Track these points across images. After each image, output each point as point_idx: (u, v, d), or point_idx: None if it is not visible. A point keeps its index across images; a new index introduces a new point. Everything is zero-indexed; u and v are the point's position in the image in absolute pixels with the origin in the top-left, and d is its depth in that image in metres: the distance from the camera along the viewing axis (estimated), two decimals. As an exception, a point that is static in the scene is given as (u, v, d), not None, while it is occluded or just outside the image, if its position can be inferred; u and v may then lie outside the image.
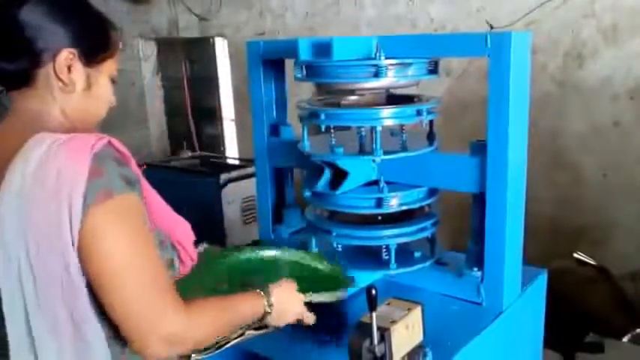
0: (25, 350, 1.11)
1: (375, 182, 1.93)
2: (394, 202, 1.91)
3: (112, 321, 1.13)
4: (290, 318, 1.51)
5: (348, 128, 2.00)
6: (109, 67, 1.28)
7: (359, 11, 4.51)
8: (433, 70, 1.89)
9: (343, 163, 1.85)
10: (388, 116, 1.80)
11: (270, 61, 2.20)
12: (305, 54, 1.81)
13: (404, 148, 1.91)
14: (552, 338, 2.26)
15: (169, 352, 1.16)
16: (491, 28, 3.76)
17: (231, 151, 6.08)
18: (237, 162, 5.01)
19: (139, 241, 1.13)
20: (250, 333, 1.58)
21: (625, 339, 2.74)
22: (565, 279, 2.96)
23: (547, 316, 2.10)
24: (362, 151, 1.91)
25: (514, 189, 1.76)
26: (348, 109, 1.79)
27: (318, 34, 4.65)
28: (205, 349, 1.48)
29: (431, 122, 1.95)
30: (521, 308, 1.89)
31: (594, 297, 2.96)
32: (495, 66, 1.67)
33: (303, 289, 1.56)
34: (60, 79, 1.20)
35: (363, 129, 1.96)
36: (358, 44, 1.79)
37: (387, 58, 1.78)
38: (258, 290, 1.46)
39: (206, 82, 6.16)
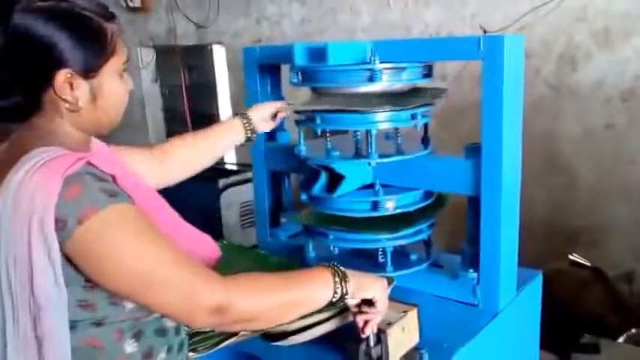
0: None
1: (371, 185, 1.94)
2: (390, 205, 1.92)
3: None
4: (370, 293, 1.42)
5: (344, 132, 2.01)
6: (113, 65, 1.22)
7: (354, 18, 4.54)
8: (427, 74, 1.91)
9: (339, 167, 1.86)
10: (383, 120, 1.81)
11: (266, 66, 2.21)
12: (300, 59, 1.81)
13: (399, 152, 1.92)
14: (548, 339, 2.27)
15: (223, 321, 1.15)
16: (485, 32, 3.78)
17: (230, 156, 6.09)
18: (235, 167, 5.02)
19: (141, 238, 1.12)
20: (244, 333, 1.59)
21: (620, 339, 2.75)
22: (560, 281, 2.97)
23: (542, 317, 2.11)
24: (357, 155, 1.93)
25: (509, 191, 1.76)
26: (343, 113, 1.80)
27: (315, 40, 4.67)
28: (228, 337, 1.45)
29: (425, 126, 1.97)
30: (517, 310, 1.89)
31: (589, 298, 2.97)
32: (489, 69, 1.68)
33: None
34: (64, 100, 1.17)
35: (358, 133, 1.98)
36: (353, 49, 1.81)
37: (381, 63, 1.79)
38: (327, 269, 1.35)
39: (204, 89, 6.17)
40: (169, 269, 1.12)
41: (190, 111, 6.18)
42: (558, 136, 3.69)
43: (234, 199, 4.46)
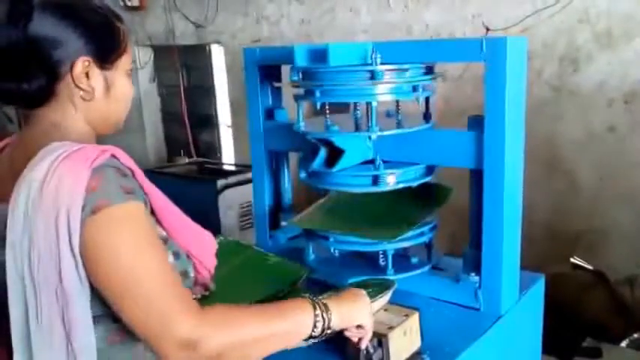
0: (23, 349, 1.12)
1: (372, 162, 1.92)
2: (391, 180, 1.88)
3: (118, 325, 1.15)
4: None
5: (343, 110, 1.99)
6: (124, 63, 1.27)
7: (354, 18, 4.53)
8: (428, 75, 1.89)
9: (339, 141, 1.84)
10: (384, 92, 1.79)
11: (266, 67, 2.20)
12: (301, 60, 1.80)
13: (400, 126, 1.90)
14: (550, 343, 2.26)
15: (190, 357, 1.08)
16: (487, 30, 3.77)
17: (228, 157, 6.08)
18: (233, 168, 5.01)
19: (142, 246, 1.11)
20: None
21: (623, 344, 2.74)
22: (562, 284, 2.96)
23: (544, 321, 2.10)
24: (358, 129, 1.91)
25: (511, 192, 1.76)
26: (343, 85, 1.78)
27: (314, 40, 4.66)
28: None
29: (427, 101, 1.95)
30: (519, 313, 1.88)
31: (591, 302, 2.96)
32: (491, 71, 1.67)
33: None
34: (80, 88, 1.19)
35: (358, 109, 1.95)
36: (354, 50, 1.79)
37: (382, 64, 1.78)
38: (308, 297, 1.32)
39: (202, 89, 6.17)
40: (155, 285, 1.09)
41: (188, 111, 6.18)
42: (560, 139, 3.68)
43: (233, 201, 4.45)
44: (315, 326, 1.28)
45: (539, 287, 2.03)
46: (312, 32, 4.78)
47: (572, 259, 3.24)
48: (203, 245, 1.33)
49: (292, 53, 1.79)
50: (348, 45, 1.80)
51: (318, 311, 1.29)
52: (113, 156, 1.12)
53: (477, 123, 1.77)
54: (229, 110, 5.83)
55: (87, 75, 1.19)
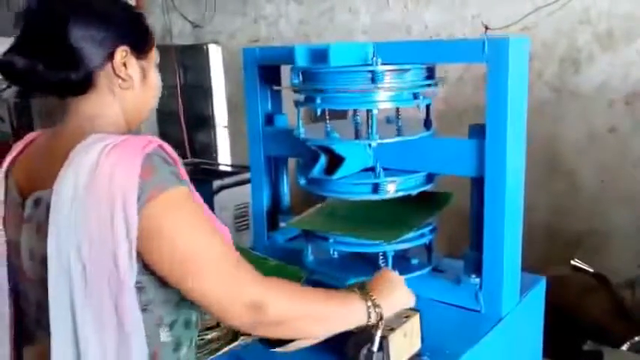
0: (67, 338, 1.13)
1: (372, 169, 1.91)
2: (391, 188, 1.88)
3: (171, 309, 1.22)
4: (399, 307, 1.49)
5: (343, 116, 1.99)
6: (154, 55, 1.35)
7: (353, 18, 4.52)
8: (430, 76, 1.88)
9: (339, 148, 1.83)
10: (384, 99, 1.78)
11: (265, 67, 2.19)
12: (302, 60, 1.79)
13: (400, 134, 1.88)
14: (550, 346, 2.25)
15: (257, 318, 1.18)
16: (486, 29, 3.76)
17: (224, 157, 6.07)
18: (230, 169, 5.00)
19: (199, 224, 1.18)
20: (244, 339, 1.58)
21: (624, 347, 2.73)
22: (563, 287, 2.96)
23: (545, 324, 2.10)
24: (358, 136, 1.90)
25: (512, 194, 1.75)
26: (343, 92, 1.78)
27: (312, 40, 4.66)
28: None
29: (428, 108, 1.94)
30: (520, 316, 1.87)
31: (592, 305, 2.96)
32: (493, 72, 1.67)
33: None
34: (120, 77, 1.25)
35: (358, 116, 1.95)
36: (355, 50, 1.78)
37: (383, 64, 1.77)
38: (356, 291, 1.41)
39: (200, 89, 6.15)
40: (218, 257, 1.17)
41: (185, 111, 6.16)
42: (561, 140, 3.68)
43: (229, 202, 4.43)
44: (369, 317, 1.38)
45: (540, 289, 2.02)
46: (311, 32, 4.77)
47: (572, 262, 3.23)
48: (229, 240, 1.36)
49: (292, 53, 1.79)
50: (348, 45, 1.79)
51: (369, 303, 1.38)
52: (160, 146, 1.16)
53: (477, 131, 1.76)
54: (226, 111, 5.82)
55: (124, 65, 1.25)
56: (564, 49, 3.60)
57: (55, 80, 1.21)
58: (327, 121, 1.91)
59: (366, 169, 1.93)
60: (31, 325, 1.26)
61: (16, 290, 1.29)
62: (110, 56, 1.23)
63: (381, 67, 1.76)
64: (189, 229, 1.15)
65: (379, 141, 1.80)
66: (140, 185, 1.09)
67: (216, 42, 5.65)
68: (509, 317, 1.81)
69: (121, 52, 1.23)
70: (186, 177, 1.20)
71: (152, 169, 1.11)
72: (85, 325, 1.12)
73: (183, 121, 6.13)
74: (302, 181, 1.99)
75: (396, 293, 1.47)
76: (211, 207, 4.26)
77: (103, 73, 1.24)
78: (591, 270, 3.18)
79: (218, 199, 4.35)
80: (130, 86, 1.27)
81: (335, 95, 1.80)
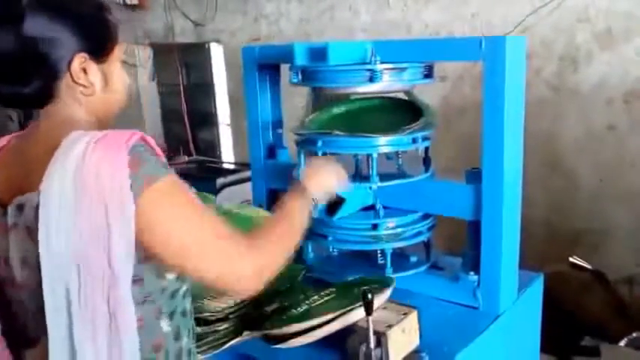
0: (62, 336, 1.13)
1: (372, 207, 1.96)
2: (391, 226, 1.93)
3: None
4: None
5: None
6: (118, 54, 1.29)
7: (353, 17, 4.53)
8: (428, 74, 1.90)
9: (340, 191, 1.86)
10: (384, 144, 1.81)
11: (265, 66, 2.19)
12: (301, 59, 1.81)
13: (400, 175, 1.92)
14: (548, 342, 2.26)
15: (263, 281, 1.26)
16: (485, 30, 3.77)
17: (227, 155, 6.07)
18: (233, 166, 5.00)
19: (193, 209, 1.20)
20: (247, 334, 1.59)
21: (621, 343, 2.74)
22: (561, 283, 2.96)
23: (543, 320, 2.10)
24: (358, 178, 1.92)
25: (510, 190, 1.76)
26: (344, 136, 1.80)
27: (313, 39, 4.66)
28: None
29: (426, 148, 1.96)
30: (518, 312, 1.89)
31: (590, 301, 2.96)
32: (490, 70, 1.67)
33: None
34: (80, 85, 1.21)
35: (359, 154, 1.97)
36: (353, 49, 1.80)
37: (382, 63, 1.78)
38: (295, 192, 1.53)
39: (202, 87, 6.15)
40: (221, 236, 1.22)
41: (188, 109, 6.17)
42: (559, 138, 3.68)
43: (232, 199, 4.43)
44: (311, 206, 1.55)
45: (537, 286, 2.04)
46: (311, 31, 4.78)
47: (571, 259, 3.24)
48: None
49: (291, 52, 1.80)
50: (347, 43, 1.80)
51: (306, 199, 1.53)
52: (142, 138, 1.16)
53: (474, 176, 1.79)
54: (228, 109, 5.82)
55: (84, 71, 1.21)
56: (563, 47, 3.60)
57: (7, 94, 1.19)
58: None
59: (366, 208, 1.98)
60: (32, 332, 1.23)
61: (4, 301, 1.26)
62: (67, 65, 1.18)
63: (379, 66, 1.78)
64: (183, 216, 1.17)
65: (379, 184, 1.83)
66: (132, 176, 1.09)
67: (217, 41, 5.65)
68: (506, 314, 1.82)
69: (79, 60, 1.19)
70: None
71: (139, 161, 1.11)
72: (80, 324, 1.11)
73: (186, 119, 6.15)
74: None
75: (322, 176, 1.62)
76: (214, 205, 4.30)
77: (63, 82, 1.20)
78: (589, 267, 3.18)
79: (221, 196, 4.36)
80: (92, 92, 1.23)
81: (335, 139, 1.82)
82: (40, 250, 1.09)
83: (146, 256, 1.16)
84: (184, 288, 1.30)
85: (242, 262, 1.22)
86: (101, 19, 1.25)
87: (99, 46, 1.23)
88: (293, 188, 1.56)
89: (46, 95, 1.20)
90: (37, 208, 1.10)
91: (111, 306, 1.12)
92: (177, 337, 1.28)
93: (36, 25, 1.14)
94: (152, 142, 1.18)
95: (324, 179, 1.63)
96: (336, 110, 1.96)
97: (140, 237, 1.12)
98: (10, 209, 1.16)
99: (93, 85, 1.23)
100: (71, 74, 1.19)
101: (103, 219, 1.08)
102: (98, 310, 1.11)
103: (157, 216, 1.13)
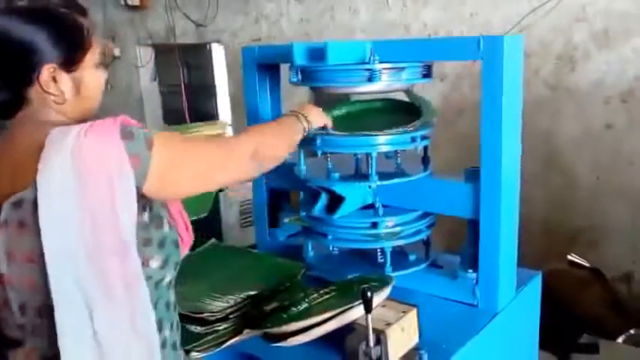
0: (80, 328, 1.14)
1: (371, 205, 1.97)
2: (390, 225, 1.94)
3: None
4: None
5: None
6: (91, 60, 1.28)
7: (353, 17, 4.54)
8: (427, 74, 1.91)
9: (340, 189, 1.88)
10: (383, 143, 1.82)
11: (265, 65, 2.20)
12: (300, 58, 1.81)
13: (399, 174, 1.93)
14: (547, 340, 2.27)
15: (258, 159, 1.43)
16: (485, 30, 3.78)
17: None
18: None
19: (193, 139, 1.38)
20: (248, 332, 1.60)
21: (619, 340, 2.75)
22: (559, 281, 2.97)
23: (541, 317, 2.11)
24: (358, 177, 1.93)
25: (508, 188, 1.77)
26: (343, 135, 1.81)
27: (313, 39, 4.67)
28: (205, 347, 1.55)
29: (425, 147, 1.97)
30: (516, 310, 1.89)
31: (588, 298, 2.97)
32: (488, 69, 1.68)
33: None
34: (50, 94, 1.21)
35: (359, 154, 1.98)
36: (352, 49, 1.80)
37: (380, 63, 1.79)
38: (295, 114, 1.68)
39: (203, 88, 6.17)
40: (220, 145, 1.41)
41: (189, 109, 6.18)
42: (557, 136, 3.69)
43: (234, 199, 4.44)
44: (301, 123, 1.66)
45: (536, 284, 2.04)
46: (312, 31, 4.79)
47: (568, 256, 3.25)
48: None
49: (291, 51, 1.81)
50: (346, 43, 1.81)
51: (297, 116, 1.67)
52: (124, 119, 1.17)
53: (473, 175, 1.80)
54: (229, 108, 5.83)
55: (54, 79, 1.21)
56: (561, 46, 3.61)
57: None
58: (328, 158, 1.95)
59: (366, 207, 1.99)
60: (13, 331, 1.22)
61: None
62: (37, 76, 1.18)
63: (378, 66, 1.79)
64: (192, 146, 1.28)
65: (379, 183, 1.85)
66: (127, 147, 1.12)
67: (218, 41, 5.66)
68: (505, 311, 1.83)
69: (48, 71, 1.19)
70: None
71: (132, 132, 1.15)
72: (98, 302, 1.13)
73: (188, 119, 6.16)
74: (303, 215, 2.03)
75: (311, 110, 1.73)
76: (217, 203, 4.30)
77: (33, 90, 1.21)
78: (587, 264, 3.19)
79: (223, 195, 4.37)
80: (63, 101, 1.23)
81: (335, 139, 1.84)
82: (45, 242, 1.10)
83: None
84: (168, 279, 1.29)
85: (241, 153, 1.39)
86: (73, 27, 1.24)
87: (69, 56, 1.22)
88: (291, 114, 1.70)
89: (16, 104, 1.22)
90: (34, 202, 1.10)
91: (126, 278, 1.14)
92: (159, 328, 1.27)
93: (4, 37, 1.15)
94: (135, 121, 1.20)
95: (314, 112, 1.73)
96: (337, 112, 1.97)
97: (150, 190, 1.16)
98: (5, 207, 1.15)
99: (63, 93, 1.23)
100: (40, 84, 1.19)
101: (109, 195, 1.11)
102: (112, 281, 1.13)
103: (168, 156, 1.19)
